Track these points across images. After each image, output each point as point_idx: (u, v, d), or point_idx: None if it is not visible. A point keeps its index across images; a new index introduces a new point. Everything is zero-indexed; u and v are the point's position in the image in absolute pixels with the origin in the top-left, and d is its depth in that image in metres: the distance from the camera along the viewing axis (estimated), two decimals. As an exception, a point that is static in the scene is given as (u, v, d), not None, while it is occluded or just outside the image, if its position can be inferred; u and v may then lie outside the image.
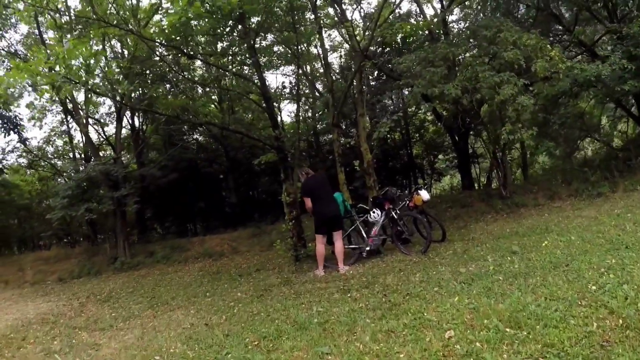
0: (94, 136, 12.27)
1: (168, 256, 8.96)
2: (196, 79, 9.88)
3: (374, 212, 5.55)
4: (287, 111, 24.85)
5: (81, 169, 9.87)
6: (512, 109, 5.95)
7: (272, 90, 10.47)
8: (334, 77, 9.19)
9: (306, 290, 4.71)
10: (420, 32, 7.70)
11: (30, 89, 10.68)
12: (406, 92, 10.66)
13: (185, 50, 6.08)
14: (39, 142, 13.75)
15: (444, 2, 10.15)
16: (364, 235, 5.62)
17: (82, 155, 12.73)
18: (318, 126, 12.41)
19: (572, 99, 7.91)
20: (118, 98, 7.98)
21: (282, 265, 6.45)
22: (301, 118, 9.31)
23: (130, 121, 11.90)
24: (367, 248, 5.52)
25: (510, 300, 3.09)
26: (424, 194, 5.72)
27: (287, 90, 12.74)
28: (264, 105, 6.80)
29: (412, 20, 10.37)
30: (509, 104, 5.93)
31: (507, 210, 7.27)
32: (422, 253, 5.32)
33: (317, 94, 12.67)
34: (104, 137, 13.07)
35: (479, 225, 6.84)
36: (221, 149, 13.04)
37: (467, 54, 6.52)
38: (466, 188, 10.71)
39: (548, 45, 5.93)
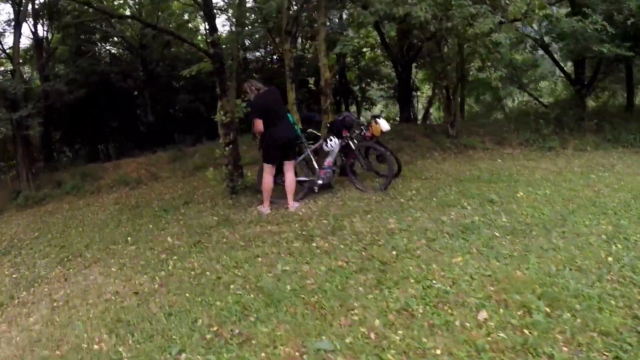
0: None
1: (78, 186, 7.33)
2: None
3: (330, 140, 4.58)
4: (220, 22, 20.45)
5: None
6: (484, 45, 5.25)
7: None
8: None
9: (255, 235, 3.73)
10: None
11: None
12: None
13: None
14: None
15: None
16: (315, 166, 4.67)
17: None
18: (247, 42, 10.50)
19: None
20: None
21: (214, 197, 5.19)
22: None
23: (32, 29, 9.52)
24: (320, 182, 4.63)
25: (531, 268, 2.61)
26: (384, 124, 4.93)
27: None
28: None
29: None
30: (482, 39, 5.20)
31: (455, 149, 7.09)
32: (382, 190, 4.68)
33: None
34: (1, 49, 10.06)
35: (428, 163, 6.51)
36: (138, 61, 11.33)
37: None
38: (404, 121, 10.42)
39: None
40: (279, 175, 4.46)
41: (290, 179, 4.28)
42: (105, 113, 11.18)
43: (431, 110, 12.15)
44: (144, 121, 12.02)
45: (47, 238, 4.79)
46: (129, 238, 4.14)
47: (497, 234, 3.26)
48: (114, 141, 12.44)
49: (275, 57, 11.13)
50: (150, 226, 4.42)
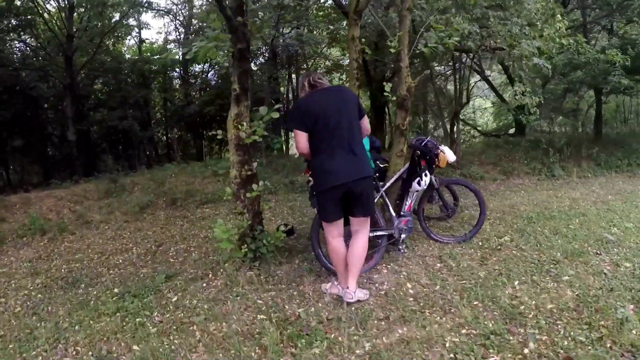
0: None
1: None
2: None
3: (426, 176, 3.16)
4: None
5: None
6: (525, 68, 4.63)
7: None
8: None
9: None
10: None
11: None
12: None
13: None
14: None
15: None
16: (392, 212, 3.17)
17: None
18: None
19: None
20: None
21: (216, 267, 3.20)
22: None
23: None
24: (403, 236, 3.14)
25: None
26: (450, 154, 3.67)
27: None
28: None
29: None
30: (523, 61, 4.57)
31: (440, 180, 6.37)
32: (465, 240, 3.56)
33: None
34: None
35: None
36: (60, 58, 8.69)
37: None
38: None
39: (559, 15, 4.75)
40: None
41: (358, 246, 2.51)
42: (8, 125, 8.18)
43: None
44: (60, 139, 9.20)
45: None
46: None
47: None
48: (19, 166, 9.59)
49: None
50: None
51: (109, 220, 5.30)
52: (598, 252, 3.25)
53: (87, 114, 10.18)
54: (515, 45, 4.26)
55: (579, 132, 7.81)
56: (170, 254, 3.81)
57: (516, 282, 2.76)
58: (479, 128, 14.43)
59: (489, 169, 6.87)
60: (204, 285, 2.93)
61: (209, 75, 13.16)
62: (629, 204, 4.76)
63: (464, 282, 2.79)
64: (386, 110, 10.08)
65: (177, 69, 12.82)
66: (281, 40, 8.34)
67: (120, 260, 3.78)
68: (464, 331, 2.18)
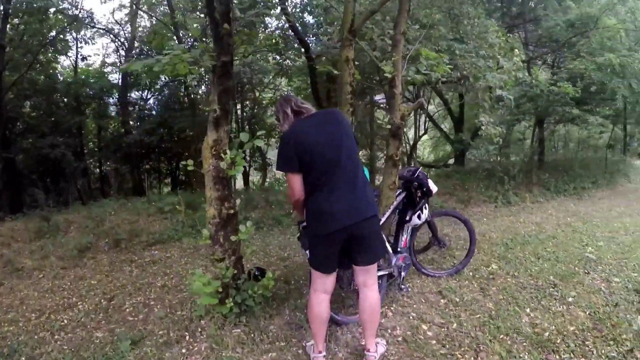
0: None
1: None
2: None
3: (426, 209, 3.19)
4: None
5: None
6: (488, 99, 5.23)
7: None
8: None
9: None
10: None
11: None
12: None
13: None
14: None
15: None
16: (389, 249, 3.11)
17: None
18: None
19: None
20: None
21: (192, 326, 2.72)
22: None
23: None
24: (402, 273, 3.09)
25: None
26: (432, 185, 3.86)
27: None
28: None
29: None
30: (488, 93, 5.18)
31: (431, 211, 6.66)
32: (456, 272, 3.63)
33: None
34: None
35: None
36: None
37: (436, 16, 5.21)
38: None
39: (516, 50, 5.57)
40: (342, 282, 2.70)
41: (372, 302, 2.21)
42: None
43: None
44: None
45: None
46: None
47: None
48: None
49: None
50: None
51: (43, 266, 4.47)
52: (586, 271, 3.54)
53: (14, 139, 9.19)
54: (480, 77, 4.72)
55: (525, 160, 8.82)
56: (127, 309, 3.20)
57: (528, 310, 2.85)
58: (418, 159, 15.57)
59: (446, 198, 7.30)
60: (184, 351, 2.47)
61: (148, 101, 12.77)
62: (589, 224, 5.39)
63: (477, 316, 2.79)
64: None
65: (115, 95, 12.23)
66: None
67: (66, 321, 3.06)
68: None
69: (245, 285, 2.80)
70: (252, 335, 2.58)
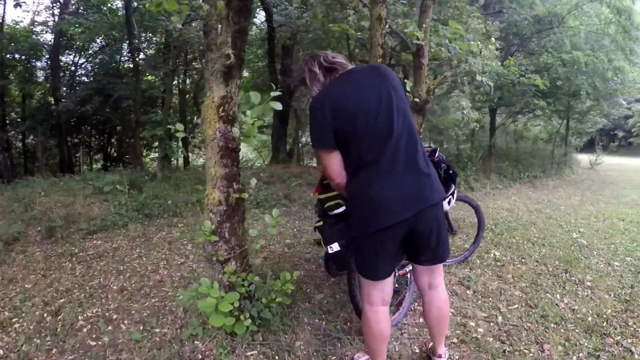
0: None
1: None
2: None
3: (454, 193, 3.12)
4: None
5: None
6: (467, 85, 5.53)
7: None
8: None
9: None
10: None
11: None
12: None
13: None
14: None
15: None
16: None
17: None
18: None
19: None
20: None
21: (183, 352, 2.26)
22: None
23: None
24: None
25: None
26: None
27: None
28: None
29: None
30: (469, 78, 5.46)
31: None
32: (464, 260, 3.75)
33: None
34: None
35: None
36: None
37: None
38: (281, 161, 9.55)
39: (493, 38, 5.94)
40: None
41: (442, 305, 2.01)
42: None
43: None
44: None
45: None
46: None
47: None
48: None
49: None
50: None
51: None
52: (585, 256, 3.91)
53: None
54: (463, 60, 4.91)
55: (484, 148, 9.64)
56: (82, 328, 2.50)
57: (558, 296, 3.02)
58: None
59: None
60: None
61: (83, 66, 12.09)
62: (558, 211, 6.07)
63: (515, 306, 2.89)
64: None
65: (44, 58, 11.43)
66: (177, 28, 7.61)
67: (0, 351, 2.32)
68: (581, 355, 2.19)
69: (259, 293, 2.44)
70: (277, 358, 2.25)
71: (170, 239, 4.29)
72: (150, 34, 9.58)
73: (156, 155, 10.74)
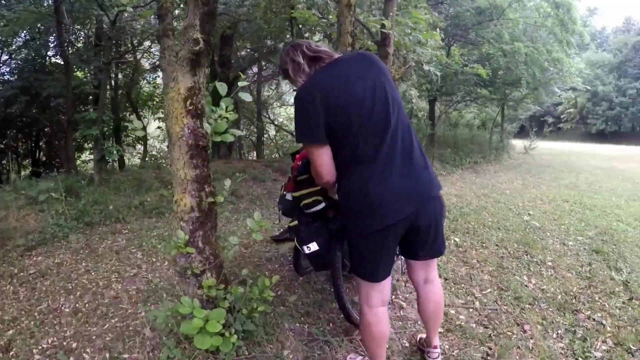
0: None
1: None
2: None
3: None
4: None
5: None
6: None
7: None
8: None
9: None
10: None
11: None
12: None
13: None
14: None
15: None
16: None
17: None
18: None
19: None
20: None
21: None
22: None
23: None
24: (398, 262, 3.13)
25: None
26: None
27: None
28: None
29: None
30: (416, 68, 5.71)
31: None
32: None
33: None
34: None
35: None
36: None
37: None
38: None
39: (438, 29, 6.25)
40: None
41: (437, 297, 2.05)
42: None
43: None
44: None
45: None
46: None
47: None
48: None
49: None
50: None
51: None
52: (541, 237, 4.25)
53: None
54: (411, 51, 5.09)
55: (425, 136, 10.14)
56: None
57: (525, 277, 3.26)
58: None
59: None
60: None
61: (4, 64, 10.60)
62: (504, 195, 6.62)
63: (489, 290, 3.05)
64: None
65: None
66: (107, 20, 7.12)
67: None
68: (560, 332, 2.37)
69: (239, 304, 2.35)
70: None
71: (117, 248, 4.02)
72: (79, 26, 8.89)
73: (90, 157, 10.02)
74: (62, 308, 2.85)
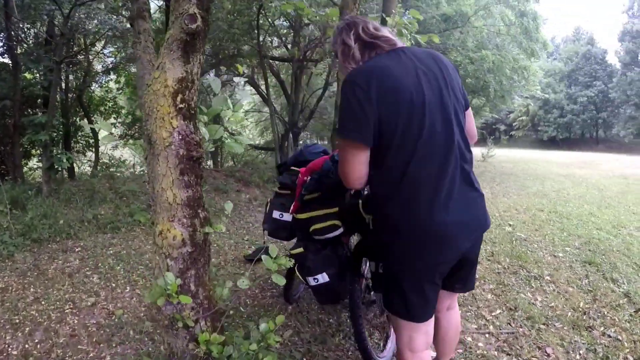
0: None
1: None
2: None
3: None
4: None
5: None
6: None
7: None
8: None
9: None
10: None
11: None
12: None
13: None
14: None
15: None
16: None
17: None
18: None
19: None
20: None
21: None
22: None
23: None
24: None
25: None
26: None
27: None
28: None
29: None
30: None
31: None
32: None
33: None
34: None
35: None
36: None
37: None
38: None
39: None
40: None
41: (455, 324, 1.99)
42: None
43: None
44: None
45: None
46: None
47: None
48: None
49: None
50: None
51: None
52: (530, 250, 4.36)
53: None
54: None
55: None
56: None
57: (529, 294, 3.29)
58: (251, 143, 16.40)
59: (227, 180, 8.01)
60: None
61: None
62: None
63: (498, 312, 3.10)
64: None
65: None
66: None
67: None
68: (582, 352, 2.39)
69: (241, 356, 2.13)
70: None
71: (70, 270, 3.66)
72: (29, 24, 8.32)
73: (37, 164, 9.29)
74: (9, 350, 2.48)
